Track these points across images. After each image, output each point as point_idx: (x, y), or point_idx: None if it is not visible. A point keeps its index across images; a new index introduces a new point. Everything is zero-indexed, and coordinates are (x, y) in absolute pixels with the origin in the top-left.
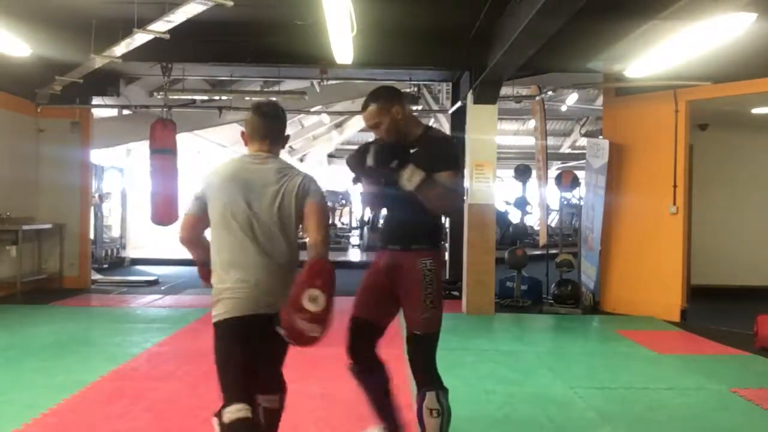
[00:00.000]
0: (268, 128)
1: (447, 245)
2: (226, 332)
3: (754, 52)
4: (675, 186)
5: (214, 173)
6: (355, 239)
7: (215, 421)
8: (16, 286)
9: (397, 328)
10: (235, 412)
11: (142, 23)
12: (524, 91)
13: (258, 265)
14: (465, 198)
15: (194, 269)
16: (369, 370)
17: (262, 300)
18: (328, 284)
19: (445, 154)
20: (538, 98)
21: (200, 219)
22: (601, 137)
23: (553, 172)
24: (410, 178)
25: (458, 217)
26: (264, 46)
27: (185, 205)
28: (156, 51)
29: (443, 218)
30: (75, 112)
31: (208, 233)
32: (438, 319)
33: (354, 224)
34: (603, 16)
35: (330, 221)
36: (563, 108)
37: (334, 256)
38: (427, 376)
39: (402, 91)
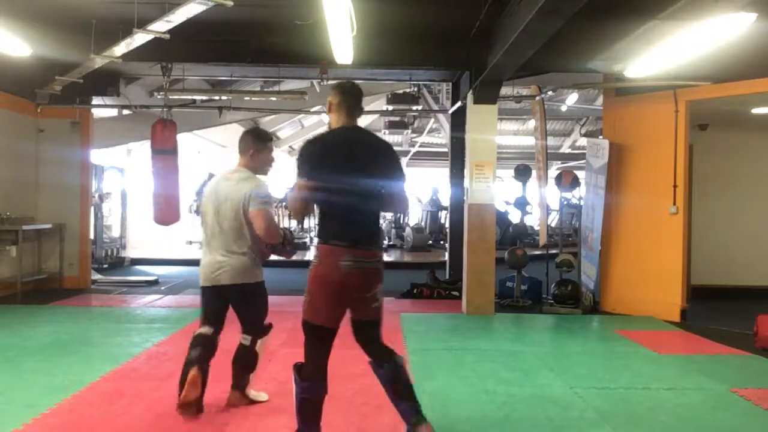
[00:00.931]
0: (241, 147)
1: (447, 245)
2: (203, 293)
3: (754, 52)
4: (675, 186)
5: (208, 184)
6: None
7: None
8: (16, 286)
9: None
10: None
11: (142, 23)
12: (524, 91)
13: (220, 252)
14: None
15: (194, 269)
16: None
17: (224, 275)
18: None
19: None
20: (538, 98)
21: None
22: (601, 137)
23: (553, 172)
24: None
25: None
26: (264, 46)
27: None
28: (156, 51)
29: (332, 215)
30: (75, 112)
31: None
32: (305, 308)
33: None
34: (603, 16)
35: (271, 221)
36: (563, 108)
37: None
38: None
39: (359, 92)
